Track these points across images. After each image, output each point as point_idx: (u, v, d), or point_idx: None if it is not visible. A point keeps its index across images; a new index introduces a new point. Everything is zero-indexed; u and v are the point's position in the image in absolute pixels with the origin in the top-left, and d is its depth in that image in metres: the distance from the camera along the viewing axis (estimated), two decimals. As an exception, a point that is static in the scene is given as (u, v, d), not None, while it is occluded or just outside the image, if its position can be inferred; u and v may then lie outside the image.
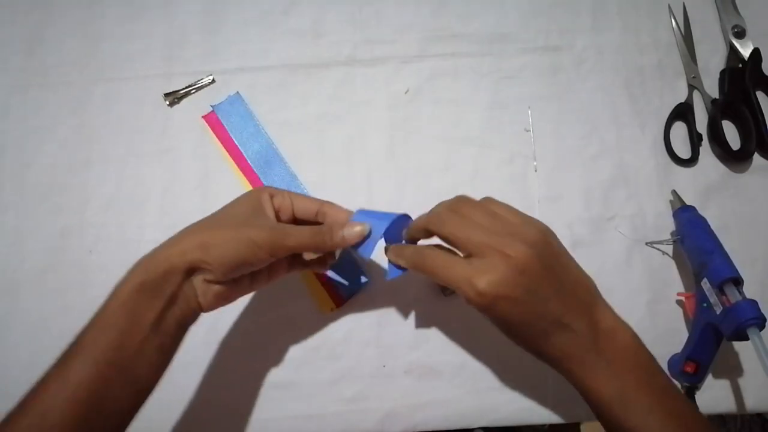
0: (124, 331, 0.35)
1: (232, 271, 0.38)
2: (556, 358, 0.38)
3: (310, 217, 0.43)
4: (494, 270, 0.35)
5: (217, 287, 0.38)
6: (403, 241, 0.44)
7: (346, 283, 0.51)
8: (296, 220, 0.43)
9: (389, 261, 0.42)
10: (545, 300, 0.36)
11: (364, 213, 0.42)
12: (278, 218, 0.42)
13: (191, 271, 0.37)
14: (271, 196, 0.42)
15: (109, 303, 0.37)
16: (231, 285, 0.39)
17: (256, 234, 0.38)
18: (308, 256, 0.45)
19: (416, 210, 0.54)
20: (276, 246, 0.38)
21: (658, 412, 0.36)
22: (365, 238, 0.41)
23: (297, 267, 0.45)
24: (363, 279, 0.51)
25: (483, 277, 0.35)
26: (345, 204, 0.43)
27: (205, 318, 0.40)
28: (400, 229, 0.43)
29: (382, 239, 0.42)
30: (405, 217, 0.43)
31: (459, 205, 0.40)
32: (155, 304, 0.36)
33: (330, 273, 0.51)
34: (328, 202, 0.44)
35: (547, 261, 0.37)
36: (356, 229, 0.41)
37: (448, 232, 0.38)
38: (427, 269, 0.38)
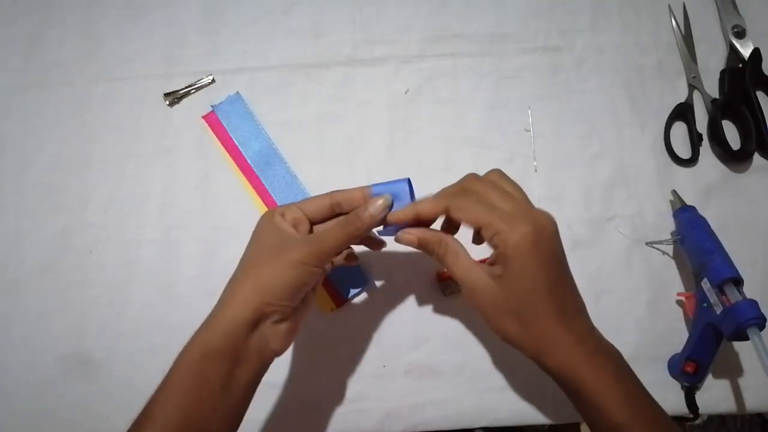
0: (193, 399, 0.35)
1: (294, 299, 0.38)
2: (567, 346, 0.36)
3: (327, 215, 0.42)
4: (541, 219, 0.37)
5: (285, 324, 0.38)
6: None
7: (346, 284, 0.51)
8: (314, 228, 0.43)
9: (384, 227, 0.41)
10: (563, 275, 0.38)
11: (377, 186, 0.42)
12: (297, 232, 0.41)
13: (257, 321, 0.37)
14: (282, 215, 0.41)
15: (174, 372, 0.36)
16: (293, 316, 0.39)
17: (297, 254, 0.37)
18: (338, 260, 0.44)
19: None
20: (319, 255, 0.38)
21: None
22: (391, 207, 0.40)
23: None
24: (363, 279, 0.51)
25: (535, 218, 0.36)
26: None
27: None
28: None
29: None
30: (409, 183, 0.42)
31: (496, 176, 0.41)
32: (222, 368, 0.36)
33: (330, 273, 0.51)
34: (334, 191, 0.43)
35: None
36: (379, 203, 0.40)
37: (492, 184, 0.39)
38: (465, 208, 0.38)
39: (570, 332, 0.37)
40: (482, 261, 0.39)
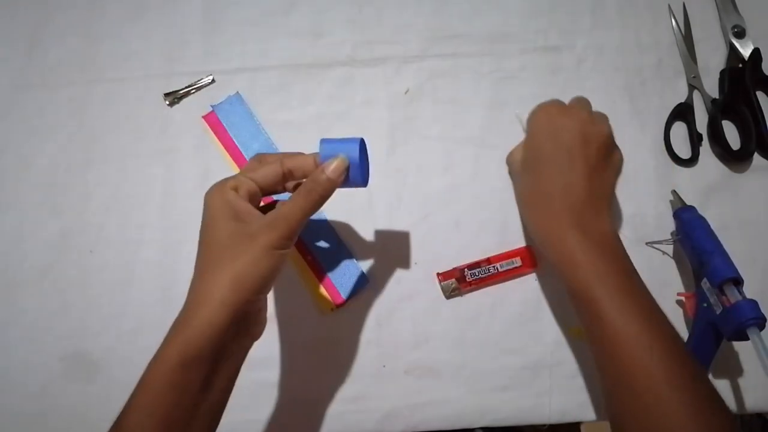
0: (173, 407, 0.34)
1: (269, 288, 0.37)
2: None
3: (278, 183, 0.40)
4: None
5: (262, 311, 0.38)
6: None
7: (346, 283, 0.51)
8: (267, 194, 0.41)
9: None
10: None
11: (326, 142, 0.39)
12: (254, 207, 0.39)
13: (238, 320, 0.35)
14: (235, 189, 0.38)
15: (149, 379, 0.34)
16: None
17: (267, 239, 0.36)
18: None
19: (416, 213, 0.54)
20: (289, 236, 0.36)
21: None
22: (348, 169, 0.39)
23: None
24: (363, 279, 0.51)
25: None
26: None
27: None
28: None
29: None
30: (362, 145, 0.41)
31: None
32: (202, 372, 0.34)
33: (330, 273, 0.51)
34: (284, 156, 0.40)
35: None
36: (335, 165, 0.38)
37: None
38: None
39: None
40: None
